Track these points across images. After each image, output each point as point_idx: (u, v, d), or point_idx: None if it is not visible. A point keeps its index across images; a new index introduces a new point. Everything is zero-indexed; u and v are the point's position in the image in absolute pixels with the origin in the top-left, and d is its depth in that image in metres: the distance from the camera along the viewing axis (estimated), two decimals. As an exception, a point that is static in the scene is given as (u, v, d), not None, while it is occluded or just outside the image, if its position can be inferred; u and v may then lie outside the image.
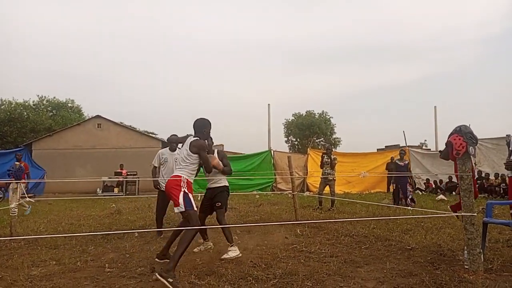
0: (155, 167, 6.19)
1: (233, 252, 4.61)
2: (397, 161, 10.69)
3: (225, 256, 4.55)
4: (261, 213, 8.84)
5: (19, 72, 61.53)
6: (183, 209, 3.91)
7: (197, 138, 4.21)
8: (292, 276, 3.75)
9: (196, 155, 4.12)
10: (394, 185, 10.50)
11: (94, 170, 19.25)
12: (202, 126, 4.32)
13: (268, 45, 75.25)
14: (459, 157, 3.89)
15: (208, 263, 4.37)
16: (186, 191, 3.99)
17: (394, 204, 9.82)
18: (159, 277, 3.50)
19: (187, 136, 4.41)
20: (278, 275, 3.81)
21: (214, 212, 4.95)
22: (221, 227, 4.77)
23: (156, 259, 4.47)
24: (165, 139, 20.90)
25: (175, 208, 4.05)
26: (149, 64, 72.85)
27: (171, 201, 5.36)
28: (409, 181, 10.36)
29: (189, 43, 77.12)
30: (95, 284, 3.72)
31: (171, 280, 3.44)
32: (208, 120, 4.40)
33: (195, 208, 4.00)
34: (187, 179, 4.05)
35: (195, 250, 5.03)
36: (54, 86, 64.80)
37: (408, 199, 9.81)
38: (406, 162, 10.74)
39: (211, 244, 5.18)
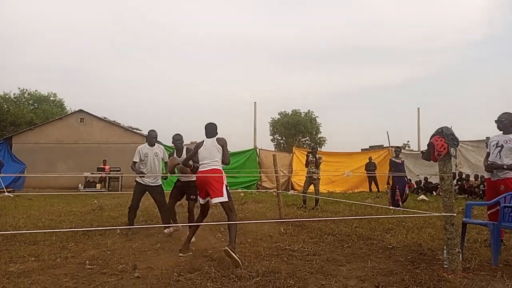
0: (134, 162, 6.16)
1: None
2: (393, 159, 10.41)
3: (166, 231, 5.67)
4: (245, 211, 8.84)
5: (0, 64, 59.99)
6: (226, 200, 4.45)
7: (218, 137, 4.80)
8: (275, 274, 3.77)
9: (221, 149, 4.68)
10: (390, 185, 10.15)
11: (76, 165, 18.92)
12: (215, 129, 4.88)
13: (255, 43, 75.27)
14: (441, 158, 3.96)
15: (191, 261, 4.35)
16: (226, 183, 4.54)
17: (392, 206, 9.37)
18: (231, 252, 4.05)
19: (198, 142, 4.91)
20: (260, 273, 3.81)
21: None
22: (188, 215, 5.63)
23: (180, 254, 4.59)
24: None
25: (214, 199, 4.47)
26: (134, 58, 71.97)
27: (150, 196, 6.21)
28: (407, 180, 10.14)
29: (176, 38, 76.52)
30: (75, 281, 3.65)
31: (237, 256, 4.11)
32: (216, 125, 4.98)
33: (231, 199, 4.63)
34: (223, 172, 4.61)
35: (165, 231, 5.83)
36: (36, 79, 63.43)
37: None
38: (403, 159, 10.51)
39: (180, 226, 5.94)
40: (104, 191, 15.56)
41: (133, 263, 4.19)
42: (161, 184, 6.31)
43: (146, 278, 3.68)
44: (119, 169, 17.16)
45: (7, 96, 32.04)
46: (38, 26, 66.22)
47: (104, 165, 17.46)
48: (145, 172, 6.09)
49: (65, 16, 66.83)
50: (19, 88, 35.41)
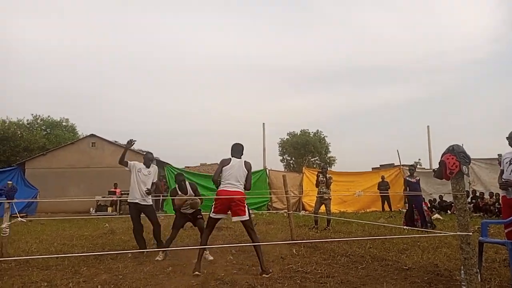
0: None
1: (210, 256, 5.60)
2: (407, 178, 9.97)
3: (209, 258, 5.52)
4: (257, 233, 8.73)
5: (14, 90, 61.54)
6: (247, 218, 4.93)
7: (246, 160, 5.13)
8: (288, 297, 3.71)
9: (247, 173, 5.03)
10: (407, 205, 9.61)
11: (88, 189, 19.04)
12: (242, 149, 5.24)
13: (262, 64, 76.22)
14: (453, 176, 3.91)
15: (202, 284, 4.31)
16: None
17: (406, 226, 8.89)
18: (265, 275, 4.55)
19: (224, 159, 5.12)
20: (274, 296, 3.75)
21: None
22: (200, 233, 5.64)
23: (196, 273, 4.69)
24: (160, 158, 20.87)
25: (236, 217, 4.93)
26: (144, 82, 73.27)
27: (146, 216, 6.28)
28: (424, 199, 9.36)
29: (183, 62, 77.82)
30: (87, 306, 3.64)
31: (271, 270, 4.70)
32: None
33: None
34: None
35: (157, 258, 5.73)
36: (49, 105, 64.70)
37: (427, 223, 9.12)
38: (418, 178, 10.09)
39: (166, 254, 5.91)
40: (115, 215, 15.59)
41: (145, 287, 4.16)
42: (152, 204, 6.40)
43: (158, 303, 3.65)
44: (130, 192, 17.23)
45: (20, 122, 32.68)
46: (49, 52, 68.16)
47: (115, 188, 17.55)
48: (133, 187, 6.20)
49: (76, 43, 68.74)
50: (32, 114, 36.15)
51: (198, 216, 6.02)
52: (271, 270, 4.71)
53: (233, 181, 4.91)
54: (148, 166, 6.42)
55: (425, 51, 69.73)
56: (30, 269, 5.25)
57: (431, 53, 67.97)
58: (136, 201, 6.20)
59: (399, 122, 66.92)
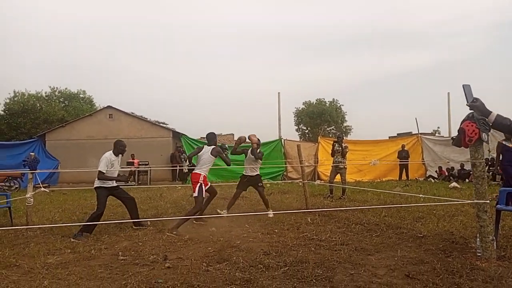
0: (102, 173, 6.08)
1: (271, 214, 6.55)
2: (504, 143, 7.18)
3: (269, 216, 6.49)
4: (272, 202, 8.83)
5: (31, 63, 62.23)
6: (197, 195, 5.81)
7: (214, 147, 6.10)
8: (303, 264, 3.78)
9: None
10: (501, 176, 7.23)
11: (107, 160, 19.42)
12: (214, 137, 6.27)
13: (277, 33, 74.63)
14: (472, 144, 3.83)
15: (219, 251, 4.42)
16: (202, 183, 5.88)
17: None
18: (168, 233, 5.36)
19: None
20: (288, 262, 3.83)
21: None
22: (262, 199, 7.06)
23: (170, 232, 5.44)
24: (176, 129, 21.05)
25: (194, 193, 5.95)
26: (160, 53, 72.95)
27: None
28: None
29: (199, 32, 76.90)
30: (109, 271, 3.79)
31: (175, 233, 5.37)
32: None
33: (203, 196, 5.89)
34: (204, 175, 5.99)
35: (270, 215, 6.57)
36: (66, 77, 65.44)
37: None
38: None
39: (206, 220, 6.32)
40: (134, 185, 15.95)
41: (164, 254, 4.30)
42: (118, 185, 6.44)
43: (177, 268, 3.78)
44: (147, 163, 17.54)
45: (39, 95, 33.17)
46: (67, 24, 68.11)
47: (133, 159, 17.86)
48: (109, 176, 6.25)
49: (93, 14, 68.38)
50: (50, 87, 36.54)
51: (259, 184, 6.90)
52: (174, 232, 5.37)
53: (198, 166, 6.02)
54: (117, 155, 6.44)
55: (447, 14, 66.87)
56: (54, 236, 5.48)
57: (453, 16, 65.17)
58: (108, 185, 6.31)
59: (419, 89, 65.41)
